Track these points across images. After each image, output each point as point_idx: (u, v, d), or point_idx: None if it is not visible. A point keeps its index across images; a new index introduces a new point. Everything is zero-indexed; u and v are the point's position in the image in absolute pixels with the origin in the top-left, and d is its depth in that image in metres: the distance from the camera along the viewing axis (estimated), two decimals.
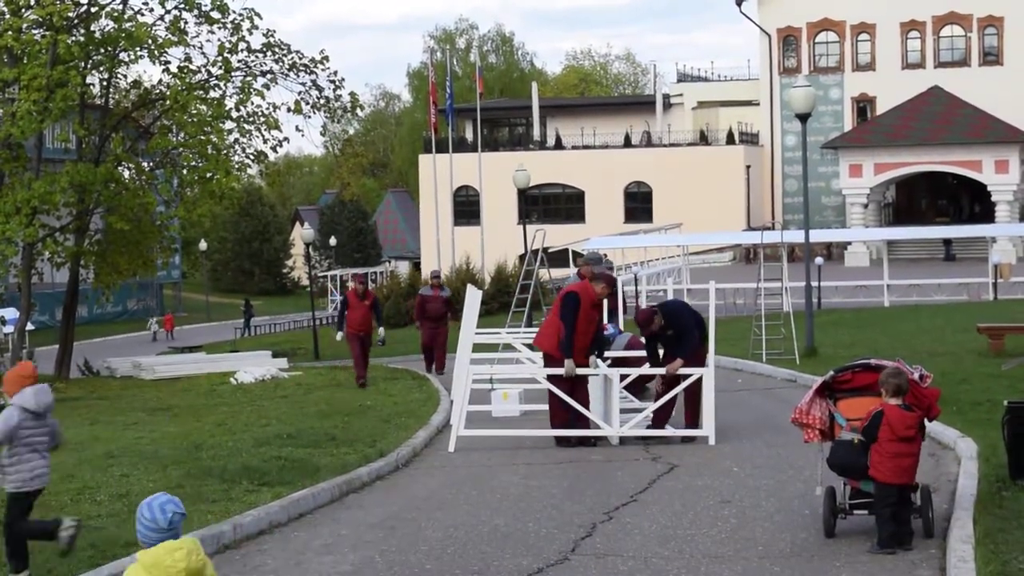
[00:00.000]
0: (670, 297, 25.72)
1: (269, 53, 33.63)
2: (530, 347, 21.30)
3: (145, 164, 34.81)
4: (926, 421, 11.11)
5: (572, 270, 32.91)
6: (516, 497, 13.60)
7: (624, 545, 11.13)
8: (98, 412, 23.93)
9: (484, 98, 74.94)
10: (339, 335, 27.59)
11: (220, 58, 33.02)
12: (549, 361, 17.25)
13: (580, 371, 16.94)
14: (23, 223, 30.62)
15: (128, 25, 31.83)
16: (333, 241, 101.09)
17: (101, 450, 17.57)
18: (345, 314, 26.62)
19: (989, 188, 68.23)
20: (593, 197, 78.61)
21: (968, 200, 75.00)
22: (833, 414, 11.16)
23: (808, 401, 11.24)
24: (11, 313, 40.77)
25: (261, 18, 33.32)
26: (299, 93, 33.97)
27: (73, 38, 31.52)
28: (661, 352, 17.31)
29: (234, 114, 33.15)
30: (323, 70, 34.19)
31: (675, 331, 16.93)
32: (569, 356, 16.71)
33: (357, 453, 16.18)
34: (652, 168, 77.33)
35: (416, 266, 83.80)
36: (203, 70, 33.31)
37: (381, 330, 27.89)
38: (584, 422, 16.96)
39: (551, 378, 17.00)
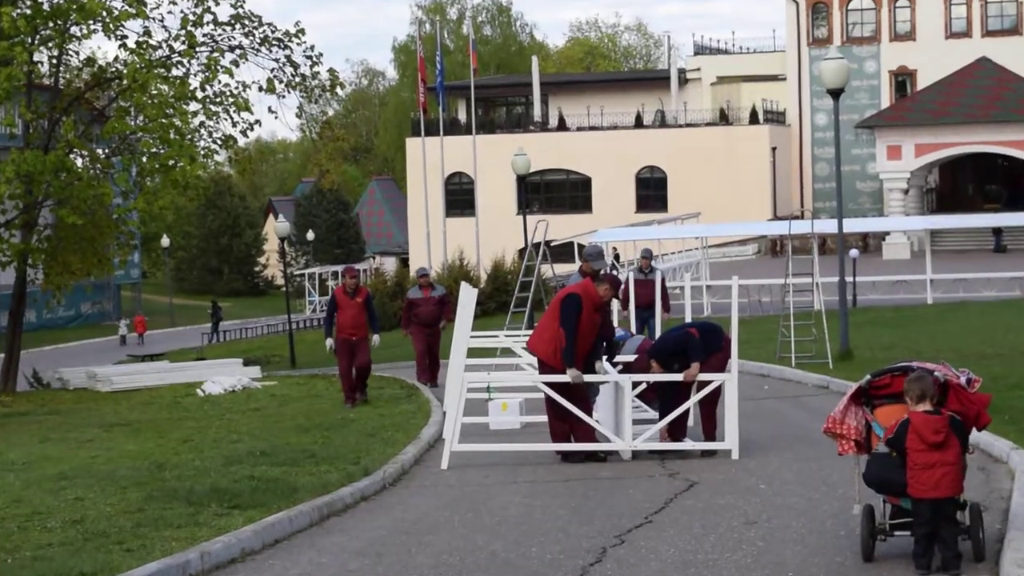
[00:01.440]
0: (687, 295, 25.70)
1: (238, 26, 33.62)
2: (529, 352, 21.24)
3: (100, 151, 34.79)
4: (975, 431, 11.09)
5: (579, 265, 32.88)
6: (517, 519, 13.59)
7: (638, 572, 11.12)
8: (49, 428, 23.91)
9: (479, 75, 74.99)
10: (328, 342, 24.90)
11: (183, 32, 33.01)
12: (544, 368, 17.23)
13: (587, 378, 16.93)
14: None
15: None
16: (311, 235, 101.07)
17: (52, 471, 17.54)
18: (333, 317, 24.59)
19: None
20: (601, 184, 78.65)
21: (1019, 184, 75.01)
22: (870, 423, 11.14)
23: (842, 409, 11.22)
24: None
25: None
26: (272, 70, 33.96)
27: (18, 10, 31.50)
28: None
29: (199, 94, 33.13)
30: (298, 44, 34.18)
31: (680, 358, 17.04)
32: (571, 366, 16.69)
33: (339, 472, 16.16)
34: (666, 151, 77.37)
35: (404, 262, 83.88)
36: (164, 45, 33.30)
37: (376, 338, 24.87)
38: (588, 434, 16.94)
39: (548, 385, 16.98)
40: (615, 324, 21.09)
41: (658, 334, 22.66)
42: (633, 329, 24.11)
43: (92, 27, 32.50)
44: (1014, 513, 11.94)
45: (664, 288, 27.24)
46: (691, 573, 10.99)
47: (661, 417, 17.26)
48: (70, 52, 35.12)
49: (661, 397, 17.35)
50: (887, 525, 11.01)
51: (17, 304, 34.97)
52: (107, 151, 34.83)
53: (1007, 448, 15.37)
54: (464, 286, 20.41)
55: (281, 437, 20.03)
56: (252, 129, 34.19)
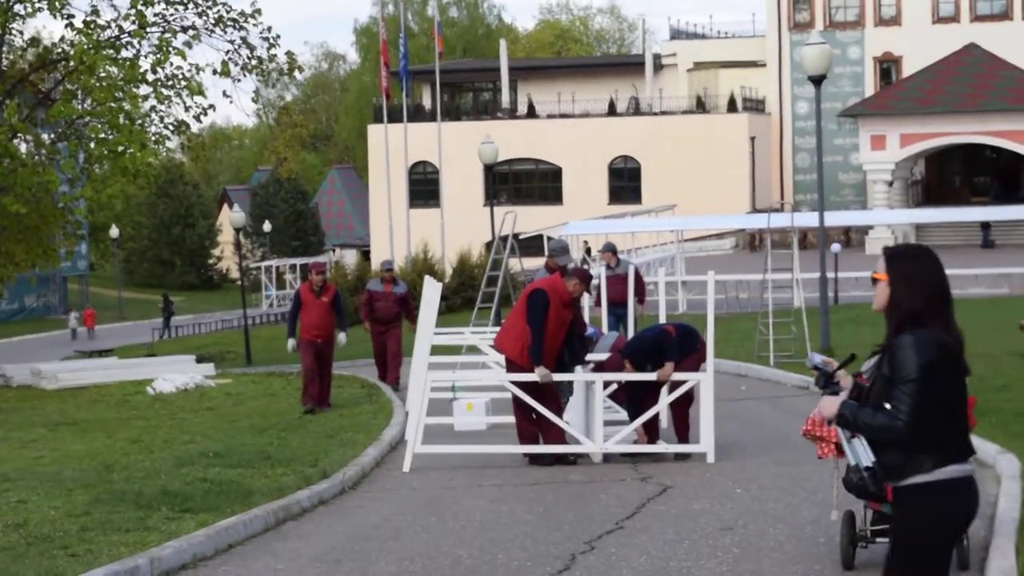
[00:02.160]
0: (661, 291, 25.74)
1: (191, 5, 33.57)
2: (496, 350, 21.25)
3: (45, 136, 34.67)
4: None
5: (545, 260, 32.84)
6: (482, 524, 13.61)
7: None
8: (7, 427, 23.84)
9: (444, 59, 74.98)
10: (290, 343, 24.20)
11: (133, 11, 32.91)
12: (511, 366, 17.25)
13: (556, 376, 16.96)
14: None
15: None
16: (268, 226, 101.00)
17: None
18: (297, 315, 23.88)
19: None
20: (572, 174, 78.71)
21: (1009, 177, 75.35)
22: None
23: None
24: None
25: None
26: (227, 53, 33.91)
27: None
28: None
29: (150, 77, 33.06)
30: (255, 25, 34.14)
31: (654, 358, 17.04)
32: (538, 364, 16.72)
33: (296, 474, 16.16)
34: (641, 140, 77.48)
35: (365, 255, 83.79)
36: (113, 25, 33.21)
37: (342, 336, 24.73)
38: (558, 436, 16.98)
39: (516, 384, 17.00)
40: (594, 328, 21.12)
41: (631, 329, 22.70)
42: (604, 327, 24.09)
43: (37, 5, 32.41)
44: (1000, 519, 12.00)
45: (639, 279, 27.07)
46: None
47: (631, 419, 17.29)
48: (13, 31, 35.00)
49: (630, 397, 17.37)
50: (868, 532, 11.06)
51: None
52: (53, 136, 34.71)
53: (993, 452, 15.45)
54: (428, 280, 20.41)
55: (235, 438, 20.01)
56: (206, 114, 34.15)
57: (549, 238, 46.58)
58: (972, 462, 6.98)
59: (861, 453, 7.06)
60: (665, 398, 17.19)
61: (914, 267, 7.04)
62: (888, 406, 6.83)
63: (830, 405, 7.06)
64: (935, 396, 6.80)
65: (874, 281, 7.17)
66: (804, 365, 25.97)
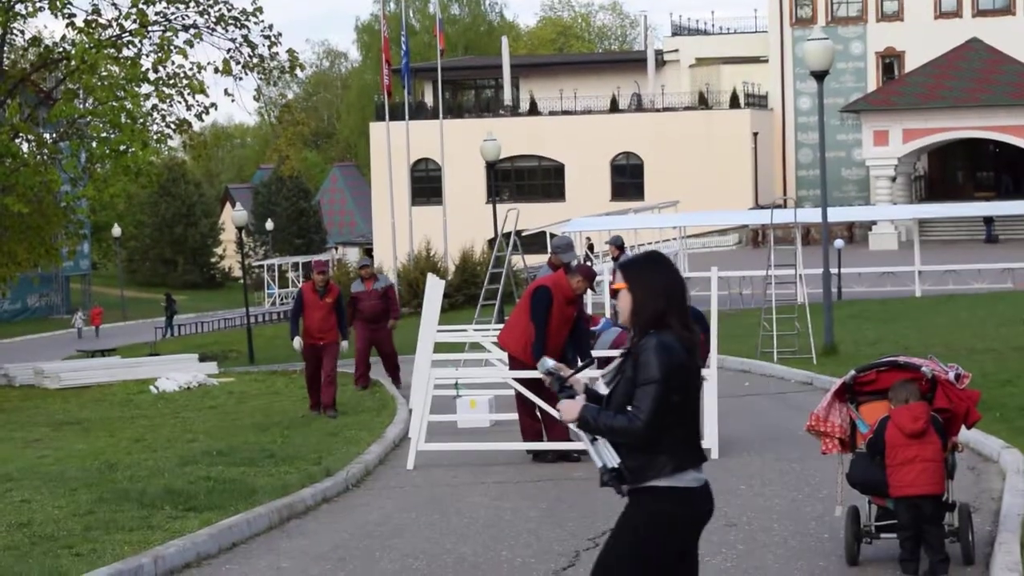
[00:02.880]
0: None
1: (192, 4, 33.54)
2: (499, 347, 21.26)
3: (47, 135, 34.67)
4: (964, 428, 11.16)
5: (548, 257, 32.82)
6: (486, 522, 13.61)
7: None
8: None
9: (446, 56, 74.94)
10: (295, 342, 23.27)
11: (134, 10, 32.89)
12: (515, 363, 17.25)
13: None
14: None
15: None
16: (270, 225, 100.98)
17: None
18: (300, 315, 23.10)
19: None
20: (574, 171, 78.69)
21: (1013, 172, 75.29)
22: (855, 421, 11.19)
23: (826, 406, 11.27)
24: None
25: None
26: (228, 51, 33.90)
27: None
28: None
29: (152, 76, 33.04)
30: (256, 23, 34.12)
31: None
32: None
33: (299, 472, 16.16)
34: (643, 137, 77.45)
35: (368, 252, 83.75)
36: (115, 24, 33.20)
37: (344, 344, 23.70)
38: (561, 433, 16.98)
39: (520, 382, 17.00)
40: (607, 316, 21.13)
41: None
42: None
43: (38, 5, 32.40)
44: (1005, 514, 11.99)
45: None
46: None
47: None
48: (15, 31, 35.00)
49: None
50: (872, 527, 11.06)
51: None
52: (54, 136, 34.71)
53: (998, 447, 15.44)
54: (431, 278, 20.44)
55: (239, 436, 20.02)
56: (208, 113, 34.14)
57: (552, 235, 46.60)
58: (703, 469, 7.17)
59: (605, 454, 7.17)
60: None
61: (652, 273, 7.25)
62: (630, 408, 6.99)
63: (569, 409, 7.18)
64: (676, 398, 6.98)
65: (615, 293, 7.44)
66: (809, 361, 26.00)
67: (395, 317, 26.79)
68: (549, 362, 7.69)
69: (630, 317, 7.20)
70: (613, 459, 7.14)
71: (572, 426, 7.27)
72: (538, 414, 17.12)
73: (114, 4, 33.30)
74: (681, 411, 7.03)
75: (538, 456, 17.04)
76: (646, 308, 7.15)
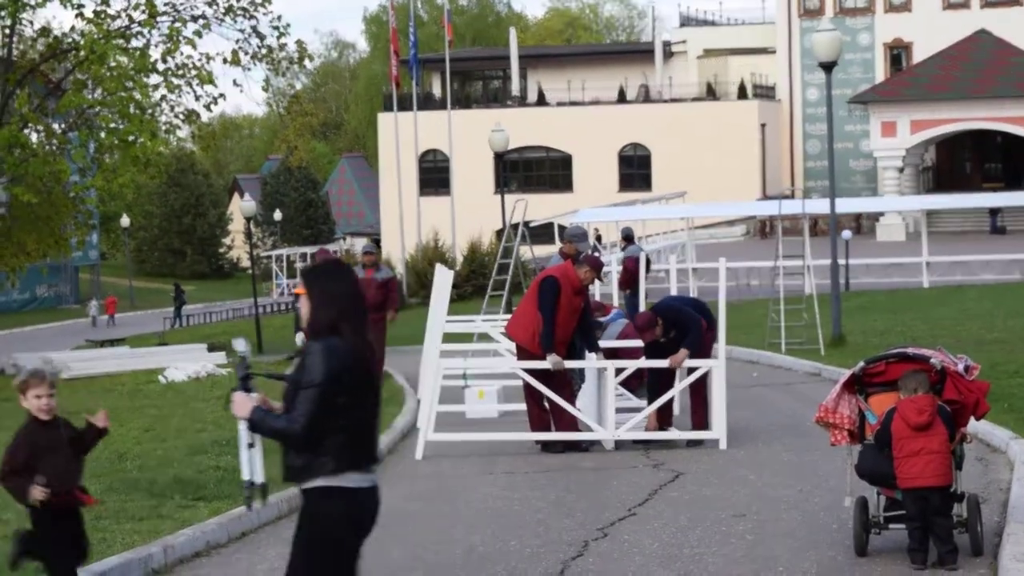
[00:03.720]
0: (673, 278, 25.79)
1: None
2: (508, 337, 21.27)
3: (56, 126, 34.69)
4: (973, 420, 11.15)
5: (559, 247, 32.84)
6: (495, 512, 13.61)
7: (621, 566, 11.15)
8: (2, 416, 23.84)
9: (454, 47, 74.89)
10: (298, 337, 23.32)
11: (143, 0, 32.91)
12: (523, 354, 17.24)
13: (568, 364, 16.95)
14: None
15: None
16: (278, 215, 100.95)
17: None
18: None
19: None
20: (582, 162, 78.63)
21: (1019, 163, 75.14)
22: (864, 412, 11.18)
23: (835, 397, 11.26)
24: None
25: None
26: (237, 41, 33.95)
27: None
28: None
29: (160, 66, 33.09)
30: (265, 14, 34.16)
31: (678, 333, 16.94)
32: (549, 351, 16.70)
33: None
34: (651, 128, 77.38)
35: (376, 243, 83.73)
36: (123, 15, 33.24)
37: None
38: (570, 423, 16.98)
39: (528, 372, 16.99)
40: (616, 306, 21.12)
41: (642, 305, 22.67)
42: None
43: None
44: (1013, 505, 11.98)
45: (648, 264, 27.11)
46: (676, 567, 11.02)
47: (650, 402, 17.23)
48: (24, 21, 35.06)
49: (651, 382, 17.29)
50: (881, 518, 11.05)
51: None
52: (63, 126, 34.74)
53: (1006, 438, 15.44)
54: (440, 268, 20.41)
55: None
56: (216, 103, 34.23)
57: (561, 226, 46.61)
58: (374, 471, 7.37)
59: (256, 467, 7.57)
60: (679, 384, 17.17)
61: (328, 281, 7.45)
62: (292, 411, 7.20)
63: (241, 405, 7.37)
64: (341, 402, 7.16)
65: (297, 296, 7.69)
66: (817, 352, 25.98)
67: (392, 309, 26.17)
68: (241, 344, 7.80)
69: (306, 322, 7.41)
70: (258, 475, 7.55)
71: (241, 425, 7.47)
72: (546, 404, 17.11)
73: None
74: (347, 414, 7.21)
75: (546, 446, 17.04)
76: (320, 314, 7.34)
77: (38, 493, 9.22)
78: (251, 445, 7.50)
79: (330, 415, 7.17)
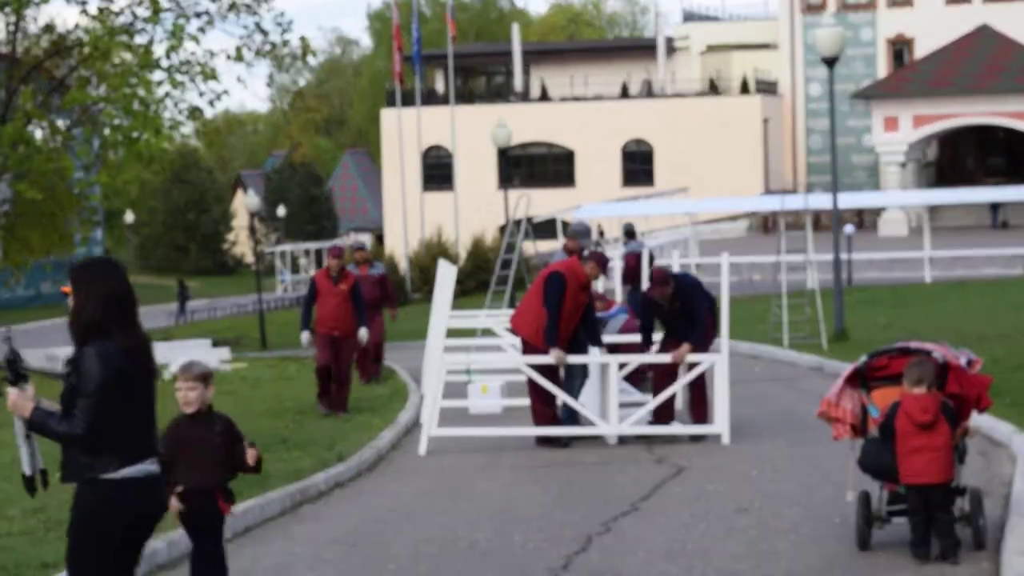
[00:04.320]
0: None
1: None
2: (512, 331, 21.25)
3: (60, 122, 34.71)
4: (976, 414, 11.14)
5: (563, 243, 32.82)
6: (498, 507, 13.62)
7: (624, 561, 11.15)
8: (6, 412, 23.86)
9: (457, 43, 74.85)
10: (304, 336, 21.73)
11: None
12: (528, 348, 17.26)
13: (572, 359, 16.95)
14: None
15: None
16: (282, 211, 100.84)
17: (10, 457, 17.47)
18: (312, 305, 21.39)
19: None
20: (585, 157, 78.60)
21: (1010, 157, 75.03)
22: (866, 406, 11.18)
23: (837, 391, 11.26)
24: None
25: None
26: (240, 38, 33.97)
27: None
28: (656, 336, 17.39)
29: (164, 63, 33.08)
30: (268, 11, 34.16)
31: (683, 307, 16.91)
32: (554, 345, 16.72)
33: (312, 457, 16.18)
34: (654, 123, 77.34)
35: (379, 239, 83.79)
36: (127, 11, 33.23)
37: (363, 331, 21.37)
38: (574, 418, 17.00)
39: (532, 367, 17.00)
40: (618, 301, 21.11)
41: None
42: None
43: None
44: (1016, 499, 11.98)
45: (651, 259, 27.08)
46: (680, 562, 11.02)
47: (655, 394, 17.23)
48: (28, 18, 35.03)
49: (656, 375, 17.29)
50: (884, 512, 11.05)
51: None
52: (68, 122, 34.76)
53: (1009, 432, 15.44)
54: (443, 263, 20.40)
55: (251, 421, 20.00)
56: (220, 99, 34.21)
57: (564, 222, 46.62)
58: (153, 462, 7.42)
59: (36, 460, 7.66)
60: (682, 379, 17.17)
61: (93, 277, 7.39)
62: (73, 414, 7.26)
63: (19, 404, 7.49)
64: (120, 402, 7.22)
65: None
66: (819, 347, 25.98)
67: (392, 306, 26.03)
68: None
69: (71, 321, 7.37)
70: (36, 466, 7.63)
71: (17, 424, 7.58)
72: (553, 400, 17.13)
73: None
74: (124, 412, 7.26)
75: (543, 441, 17.05)
76: (85, 313, 7.31)
77: (174, 507, 9.13)
78: (28, 436, 7.64)
79: (109, 416, 7.23)
